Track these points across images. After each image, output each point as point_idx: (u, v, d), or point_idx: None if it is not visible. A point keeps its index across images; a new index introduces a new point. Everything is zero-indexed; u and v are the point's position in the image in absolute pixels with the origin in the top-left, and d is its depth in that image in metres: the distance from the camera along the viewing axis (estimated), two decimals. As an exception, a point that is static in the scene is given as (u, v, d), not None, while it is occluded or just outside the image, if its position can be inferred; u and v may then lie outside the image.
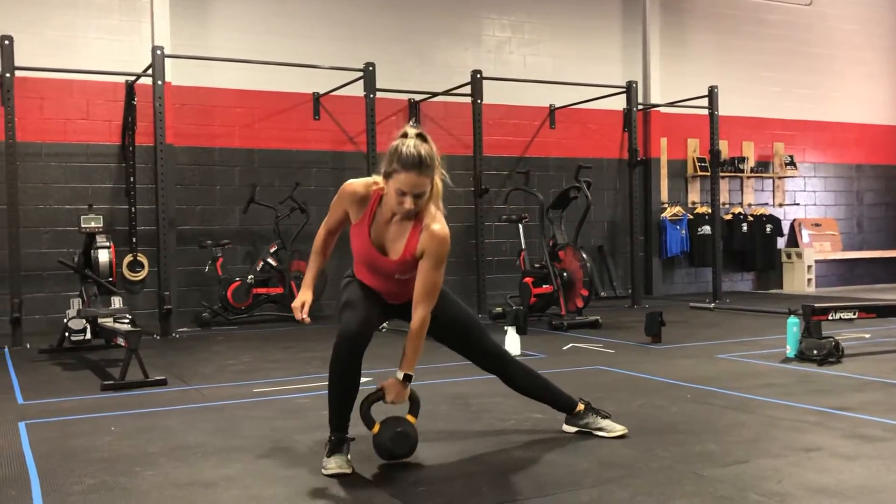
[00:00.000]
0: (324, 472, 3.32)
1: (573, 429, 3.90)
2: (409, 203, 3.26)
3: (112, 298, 7.18)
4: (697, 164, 12.32)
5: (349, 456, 3.38)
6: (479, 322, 3.81)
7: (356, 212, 3.44)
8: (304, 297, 3.55)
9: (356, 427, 3.47)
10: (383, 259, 3.43)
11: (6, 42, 7.75)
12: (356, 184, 3.45)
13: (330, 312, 10.02)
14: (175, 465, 3.51)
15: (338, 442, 3.39)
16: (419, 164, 3.22)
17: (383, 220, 3.42)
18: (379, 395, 3.47)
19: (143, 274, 9.21)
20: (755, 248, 12.60)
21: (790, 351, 5.98)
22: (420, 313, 3.38)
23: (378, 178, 3.39)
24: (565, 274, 8.45)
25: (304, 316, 3.49)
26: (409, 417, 3.50)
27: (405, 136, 3.29)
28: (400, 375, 3.41)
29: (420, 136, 3.29)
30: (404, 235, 3.39)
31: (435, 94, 10.31)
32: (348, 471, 3.30)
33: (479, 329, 3.76)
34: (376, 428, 3.44)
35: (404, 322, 3.55)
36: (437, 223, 3.37)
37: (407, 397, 3.48)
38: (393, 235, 3.41)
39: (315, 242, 3.64)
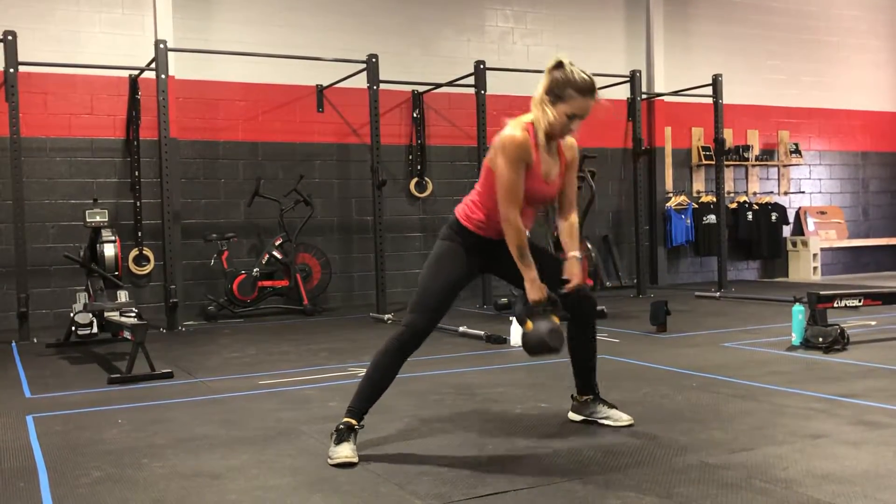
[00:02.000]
0: (330, 461, 3.33)
1: (579, 417, 3.91)
2: (577, 125, 3.51)
3: (118, 292, 7.21)
4: (702, 153, 12.28)
5: (355, 446, 3.39)
6: None
7: (531, 156, 3.50)
8: (537, 279, 3.57)
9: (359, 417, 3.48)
10: (551, 186, 3.63)
11: (10, 38, 7.75)
12: (519, 133, 3.46)
13: (336, 305, 10.04)
14: (182, 457, 3.53)
15: (346, 430, 3.40)
16: (594, 89, 3.47)
17: (543, 151, 3.56)
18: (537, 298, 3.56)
19: (148, 268, 9.23)
20: (760, 236, 12.58)
21: (796, 339, 5.97)
22: (576, 210, 3.80)
23: (520, 120, 3.50)
24: (570, 264, 8.43)
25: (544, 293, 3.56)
26: (555, 318, 3.58)
27: (562, 65, 3.46)
28: (577, 254, 3.71)
29: (574, 65, 3.48)
30: (555, 157, 3.63)
31: (439, 86, 10.30)
32: (354, 460, 3.31)
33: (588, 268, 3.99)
34: (529, 325, 3.54)
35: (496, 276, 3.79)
36: (571, 136, 3.65)
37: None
38: (550, 160, 3.60)
39: (521, 239, 3.52)
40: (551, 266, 3.72)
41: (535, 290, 3.53)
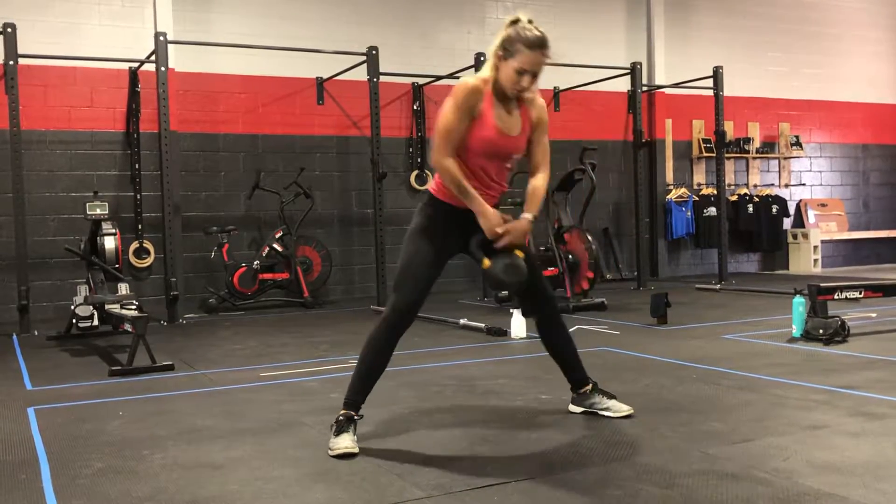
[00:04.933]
0: (330, 452, 3.33)
1: (579, 409, 3.91)
2: (526, 81, 3.45)
3: (118, 285, 7.21)
4: (702, 146, 12.28)
5: (356, 437, 3.40)
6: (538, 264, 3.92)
7: (478, 106, 3.48)
8: (494, 215, 3.51)
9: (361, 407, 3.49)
10: (509, 139, 3.55)
11: (9, 30, 7.74)
12: (471, 80, 3.48)
13: (337, 298, 10.05)
14: (183, 448, 3.53)
15: (346, 421, 3.41)
16: (542, 43, 3.43)
17: (499, 105, 3.52)
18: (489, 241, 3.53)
19: (149, 260, 9.23)
20: (761, 228, 12.58)
21: (796, 331, 5.97)
22: (543, 175, 3.70)
23: (478, 73, 3.51)
24: (570, 256, 8.44)
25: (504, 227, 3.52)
26: (518, 253, 3.56)
27: (517, 21, 3.46)
28: (529, 216, 3.61)
29: (531, 22, 3.47)
30: (516, 114, 3.57)
31: (439, 78, 10.28)
32: (355, 451, 3.32)
33: (540, 268, 3.90)
34: (486, 262, 3.51)
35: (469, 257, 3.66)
36: (536, 95, 3.63)
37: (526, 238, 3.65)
38: (508, 116, 3.54)
39: (453, 174, 3.44)
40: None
41: (487, 221, 3.49)
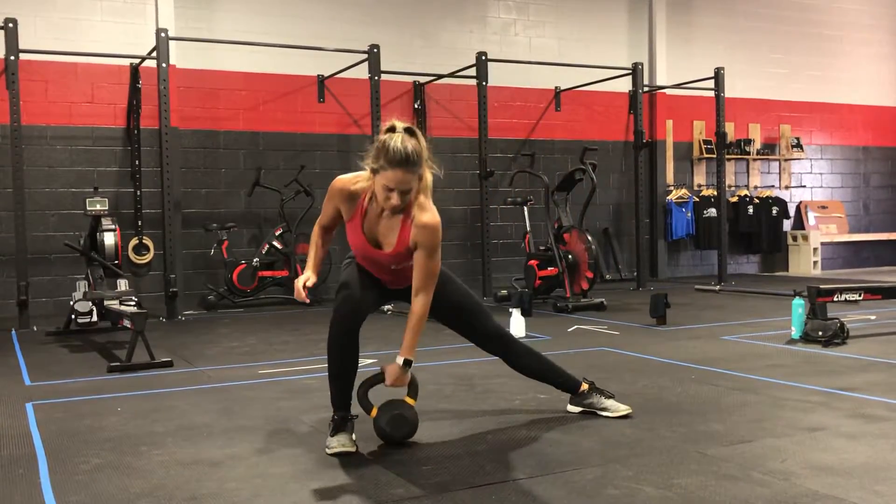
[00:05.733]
0: (328, 451, 3.33)
1: (577, 409, 3.91)
2: (395, 199, 3.23)
3: (118, 281, 7.22)
4: (703, 147, 12.27)
5: (353, 435, 3.40)
6: (481, 304, 3.79)
7: (348, 208, 3.42)
8: (307, 275, 3.50)
9: (357, 407, 3.49)
10: (378, 252, 3.43)
11: (10, 25, 7.74)
12: (345, 180, 3.42)
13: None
14: (181, 445, 3.53)
15: (341, 421, 3.41)
16: (405, 161, 3.18)
17: (374, 214, 3.39)
18: (378, 378, 3.50)
19: (148, 257, 9.23)
20: (761, 230, 12.58)
21: (795, 332, 5.98)
22: (420, 300, 3.39)
23: (365, 174, 3.36)
24: (570, 256, 8.44)
25: (305, 294, 3.46)
26: (409, 399, 3.50)
27: (392, 130, 3.25)
28: (400, 360, 3.39)
29: (408, 131, 3.25)
30: (396, 228, 3.37)
31: (440, 77, 10.28)
32: (352, 449, 3.32)
33: (482, 311, 3.73)
34: (374, 412, 3.45)
35: (406, 303, 3.54)
36: (427, 213, 3.34)
37: (407, 382, 3.46)
38: (385, 229, 3.39)
39: (312, 237, 3.61)
40: (470, 324, 3.70)
41: (392, 376, 3.41)
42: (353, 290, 3.43)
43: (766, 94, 12.89)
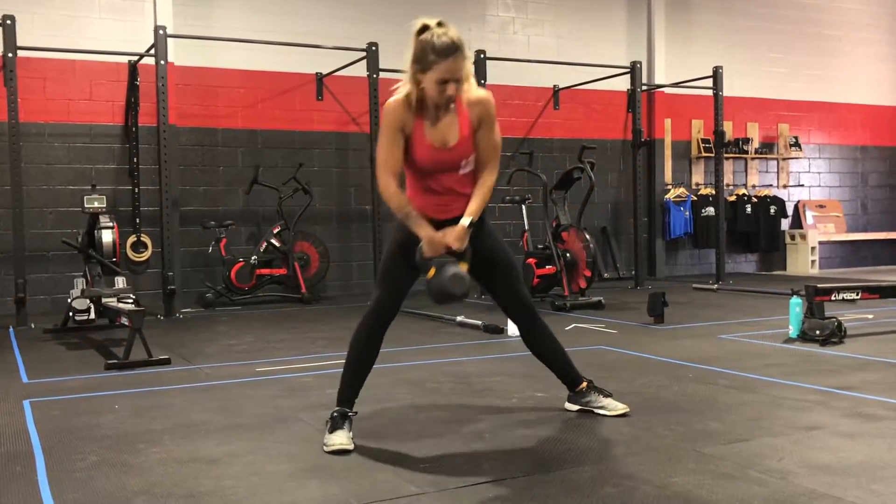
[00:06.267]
0: (325, 448, 3.33)
1: (575, 407, 3.91)
2: (451, 89, 3.31)
3: (116, 278, 7.22)
4: (701, 145, 12.28)
5: (351, 433, 3.40)
6: (518, 268, 3.81)
7: (409, 122, 3.42)
8: (438, 235, 3.41)
9: (358, 404, 3.49)
10: (448, 152, 3.42)
11: (8, 22, 7.73)
12: (397, 99, 3.41)
13: (334, 294, 10.04)
14: (178, 443, 3.53)
15: (340, 417, 3.41)
16: (455, 49, 3.28)
17: (430, 117, 3.42)
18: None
19: (146, 254, 9.22)
20: (759, 229, 12.59)
21: (793, 331, 5.98)
22: (490, 172, 3.49)
23: (404, 86, 3.39)
24: (568, 255, 8.45)
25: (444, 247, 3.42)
26: (462, 265, 3.47)
27: (426, 27, 3.33)
28: (466, 222, 3.43)
29: (440, 24, 3.34)
30: (455, 120, 3.43)
31: (438, 75, 10.25)
32: (350, 447, 3.32)
33: (517, 274, 3.75)
34: (432, 271, 3.42)
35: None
36: (475, 90, 3.44)
37: (466, 243, 3.46)
38: (445, 126, 3.43)
39: (396, 203, 3.40)
40: (502, 288, 3.69)
41: (431, 248, 3.40)
42: (392, 285, 3.52)
43: (765, 93, 12.89)
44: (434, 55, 3.26)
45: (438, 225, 3.47)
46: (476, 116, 3.43)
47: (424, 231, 3.40)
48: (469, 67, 3.40)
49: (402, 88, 3.42)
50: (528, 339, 3.85)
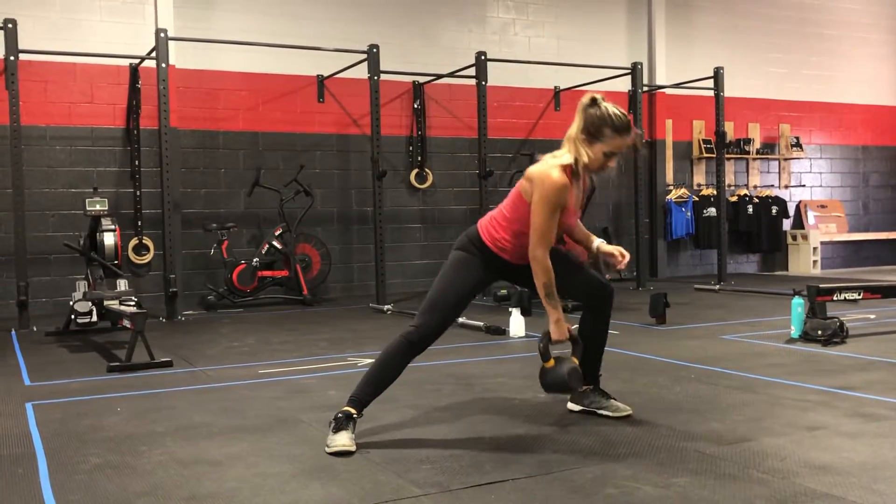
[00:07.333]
0: (328, 450, 3.34)
1: (578, 408, 3.92)
2: (614, 162, 3.57)
3: (118, 281, 7.22)
4: (703, 146, 12.28)
5: (353, 434, 3.40)
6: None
7: (567, 197, 3.53)
8: (563, 316, 3.60)
9: (367, 407, 3.49)
10: (572, 215, 3.67)
11: (10, 25, 7.74)
12: (559, 173, 3.47)
13: (336, 295, 10.05)
14: (181, 445, 3.53)
15: (344, 419, 3.41)
16: (630, 128, 3.55)
17: (577, 183, 3.63)
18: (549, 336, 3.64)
19: (148, 257, 9.23)
20: (760, 229, 12.59)
21: (795, 331, 5.98)
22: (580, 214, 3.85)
23: (564, 159, 3.51)
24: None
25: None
26: (574, 359, 3.63)
27: (595, 102, 3.56)
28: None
29: (605, 100, 3.59)
30: (581, 184, 3.69)
31: (440, 76, 10.28)
32: (352, 449, 3.32)
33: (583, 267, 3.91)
34: (551, 362, 3.57)
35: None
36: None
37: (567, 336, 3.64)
38: (577, 191, 3.67)
39: (549, 277, 3.51)
40: (572, 271, 3.75)
41: (558, 330, 3.58)
42: (447, 315, 3.57)
43: (766, 94, 12.89)
44: (610, 129, 3.50)
45: (505, 264, 3.65)
46: (591, 183, 3.80)
47: (558, 314, 3.55)
48: None
49: (555, 161, 3.52)
50: (590, 318, 3.87)
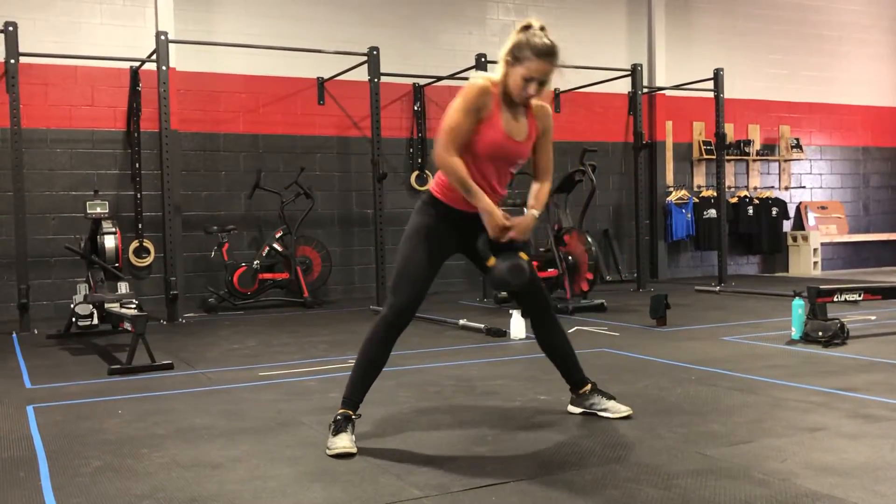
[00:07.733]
0: (328, 452, 3.34)
1: (578, 409, 3.92)
2: (532, 89, 3.43)
3: (118, 284, 7.22)
4: (703, 148, 12.28)
5: (353, 436, 3.40)
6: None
7: (486, 108, 3.47)
8: (499, 216, 3.48)
9: (363, 406, 3.49)
10: (515, 144, 3.53)
11: (10, 28, 7.74)
12: (481, 80, 3.46)
13: (337, 297, 10.05)
14: (181, 447, 3.53)
15: (344, 421, 3.41)
16: (551, 53, 3.42)
17: (509, 111, 3.53)
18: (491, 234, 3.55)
19: (149, 260, 9.24)
20: (761, 231, 12.59)
21: (795, 333, 5.97)
22: (548, 177, 3.71)
23: (495, 74, 3.48)
24: (570, 258, 8.44)
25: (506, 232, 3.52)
26: (523, 255, 3.59)
27: (529, 27, 3.44)
28: (535, 213, 3.63)
29: (543, 28, 3.46)
30: (523, 120, 3.56)
31: (440, 79, 10.28)
32: (353, 451, 3.32)
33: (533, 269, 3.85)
34: (492, 261, 3.53)
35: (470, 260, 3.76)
36: (541, 101, 3.60)
37: (528, 236, 3.63)
38: (515, 121, 3.54)
39: (459, 173, 3.41)
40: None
41: (492, 222, 3.47)
42: (416, 284, 3.50)
43: (766, 95, 12.89)
44: (529, 51, 3.40)
45: (460, 215, 3.54)
46: (542, 124, 3.62)
47: (487, 204, 3.46)
48: (553, 78, 3.52)
49: (485, 75, 3.52)
50: (542, 333, 3.86)
